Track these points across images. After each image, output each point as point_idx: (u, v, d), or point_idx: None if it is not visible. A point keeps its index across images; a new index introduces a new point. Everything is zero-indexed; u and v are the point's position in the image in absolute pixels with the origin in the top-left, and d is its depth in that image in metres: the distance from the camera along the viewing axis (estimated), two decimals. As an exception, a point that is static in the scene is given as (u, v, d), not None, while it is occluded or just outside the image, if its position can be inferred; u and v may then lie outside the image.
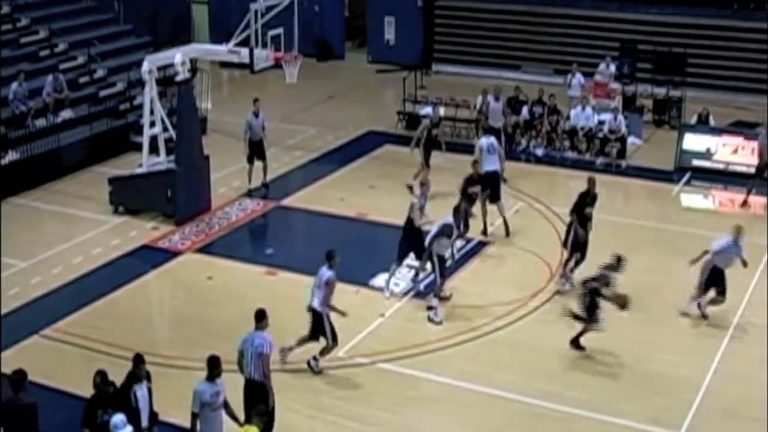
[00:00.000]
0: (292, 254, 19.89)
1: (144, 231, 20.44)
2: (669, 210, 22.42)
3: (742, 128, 25.39)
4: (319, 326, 14.87)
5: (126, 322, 16.78)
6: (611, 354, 15.73)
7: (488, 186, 20.02)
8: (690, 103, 27.60)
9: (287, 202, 22.38)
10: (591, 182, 18.22)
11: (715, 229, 20.07)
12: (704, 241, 19.16)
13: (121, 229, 20.53)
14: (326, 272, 14.83)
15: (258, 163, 22.74)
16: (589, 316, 15.52)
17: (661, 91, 28.36)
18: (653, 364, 15.43)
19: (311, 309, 14.91)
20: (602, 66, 28.37)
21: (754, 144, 24.04)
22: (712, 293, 16.83)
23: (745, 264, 16.72)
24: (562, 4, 33.10)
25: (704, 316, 16.95)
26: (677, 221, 21.52)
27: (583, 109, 25.83)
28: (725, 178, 23.93)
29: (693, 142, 24.75)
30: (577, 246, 17.84)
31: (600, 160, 24.82)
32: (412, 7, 34.84)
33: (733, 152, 24.38)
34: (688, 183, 23.98)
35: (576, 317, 15.72)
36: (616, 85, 28.20)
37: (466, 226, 19.08)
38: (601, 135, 25.08)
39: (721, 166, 24.35)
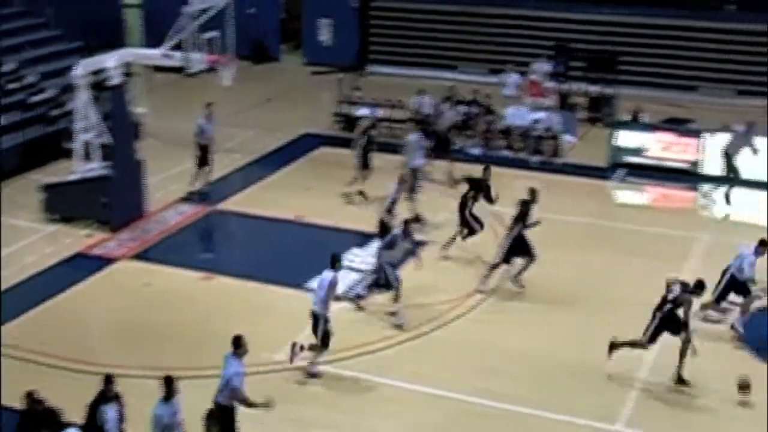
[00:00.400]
0: (230, 258, 19.79)
1: (78, 238, 20.15)
2: (604, 206, 22.69)
3: (674, 125, 25.78)
4: (315, 326, 14.96)
5: (61, 331, 16.51)
6: (550, 350, 15.87)
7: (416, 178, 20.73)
8: (624, 100, 27.95)
9: (224, 205, 22.23)
10: (532, 193, 18.07)
11: (648, 224, 20.40)
12: (638, 236, 19.50)
13: (55, 237, 20.22)
14: (329, 274, 14.98)
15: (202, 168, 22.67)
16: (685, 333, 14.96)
17: (595, 90, 28.68)
18: (593, 359, 15.51)
19: (312, 312, 15.03)
20: (537, 65, 28.61)
21: (687, 140, 24.51)
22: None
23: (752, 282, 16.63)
24: (497, 4, 33.35)
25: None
26: (612, 217, 21.78)
27: (519, 108, 26.05)
28: (658, 173, 24.28)
29: (626, 138, 25.05)
30: (519, 251, 17.84)
31: (535, 159, 25.04)
32: (347, 8, 34.86)
33: (666, 149, 24.72)
34: (622, 179, 24.28)
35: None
36: (550, 84, 28.46)
37: (473, 228, 19.23)
38: (536, 134, 25.31)
39: (654, 162, 24.69)
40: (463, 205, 19.24)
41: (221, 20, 22.26)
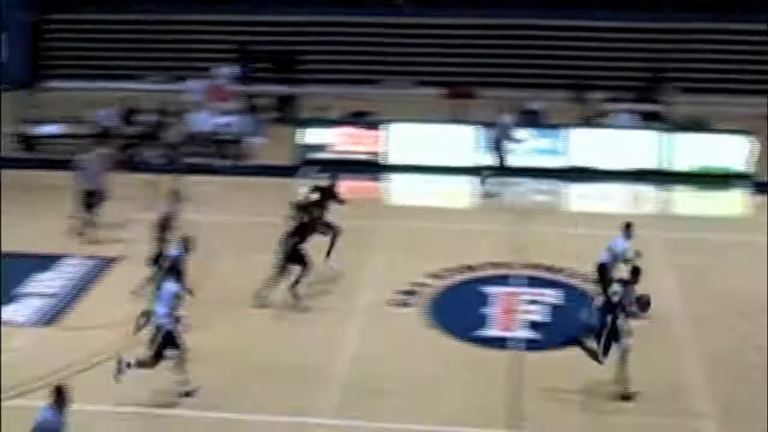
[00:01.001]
0: None
1: None
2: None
3: (357, 118, 26.52)
4: (168, 341, 14.19)
5: None
6: (254, 353, 15.75)
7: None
8: (312, 99, 28.42)
9: None
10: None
11: (340, 217, 20.71)
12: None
13: None
14: (171, 286, 14.36)
15: None
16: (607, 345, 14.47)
17: (280, 90, 29.03)
18: (294, 357, 15.57)
19: (157, 326, 14.23)
20: (220, 69, 28.60)
21: (370, 132, 25.24)
22: None
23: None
24: (177, 11, 33.01)
25: None
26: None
27: (204, 113, 25.88)
28: (346, 167, 24.75)
29: (312, 136, 25.45)
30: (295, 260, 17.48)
31: (223, 163, 24.92)
32: (21, 22, 33.26)
33: (351, 142, 25.35)
34: (309, 176, 24.54)
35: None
36: (234, 88, 28.47)
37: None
38: (222, 138, 25.25)
39: (340, 157, 25.19)
40: (317, 218, 18.60)
41: None
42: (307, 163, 25.03)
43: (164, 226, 17.61)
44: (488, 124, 24.29)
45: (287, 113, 28.33)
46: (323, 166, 24.75)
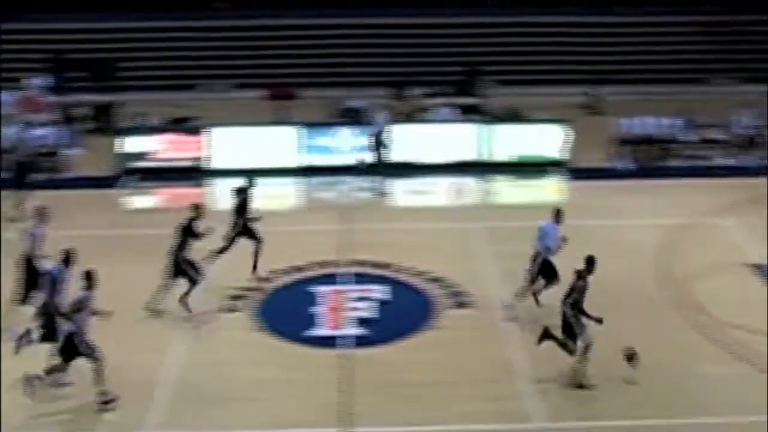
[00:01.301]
0: None
1: None
2: (115, 215, 22.42)
3: (177, 125, 26.18)
4: (72, 347, 13.93)
5: None
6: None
7: None
8: (130, 106, 27.92)
9: None
10: (197, 209, 17.48)
11: (161, 226, 20.38)
12: (157, 240, 19.25)
13: None
14: (80, 293, 14.17)
15: None
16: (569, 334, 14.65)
17: (96, 98, 28.41)
18: (126, 369, 15.04)
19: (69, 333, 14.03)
20: (31, 80, 27.77)
21: (191, 138, 24.95)
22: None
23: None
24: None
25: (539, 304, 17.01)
26: (125, 225, 21.60)
27: (14, 126, 24.98)
28: (169, 174, 24.45)
29: (132, 144, 24.94)
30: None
31: (39, 177, 24.05)
32: None
33: (173, 149, 24.97)
34: (130, 186, 24.15)
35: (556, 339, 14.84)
36: (48, 98, 27.66)
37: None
38: (38, 150, 24.42)
39: (162, 164, 24.81)
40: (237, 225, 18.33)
41: None
42: (128, 172, 24.55)
43: (32, 255, 16.70)
44: (363, 123, 24.67)
45: (105, 122, 27.72)
46: (145, 174, 24.49)
